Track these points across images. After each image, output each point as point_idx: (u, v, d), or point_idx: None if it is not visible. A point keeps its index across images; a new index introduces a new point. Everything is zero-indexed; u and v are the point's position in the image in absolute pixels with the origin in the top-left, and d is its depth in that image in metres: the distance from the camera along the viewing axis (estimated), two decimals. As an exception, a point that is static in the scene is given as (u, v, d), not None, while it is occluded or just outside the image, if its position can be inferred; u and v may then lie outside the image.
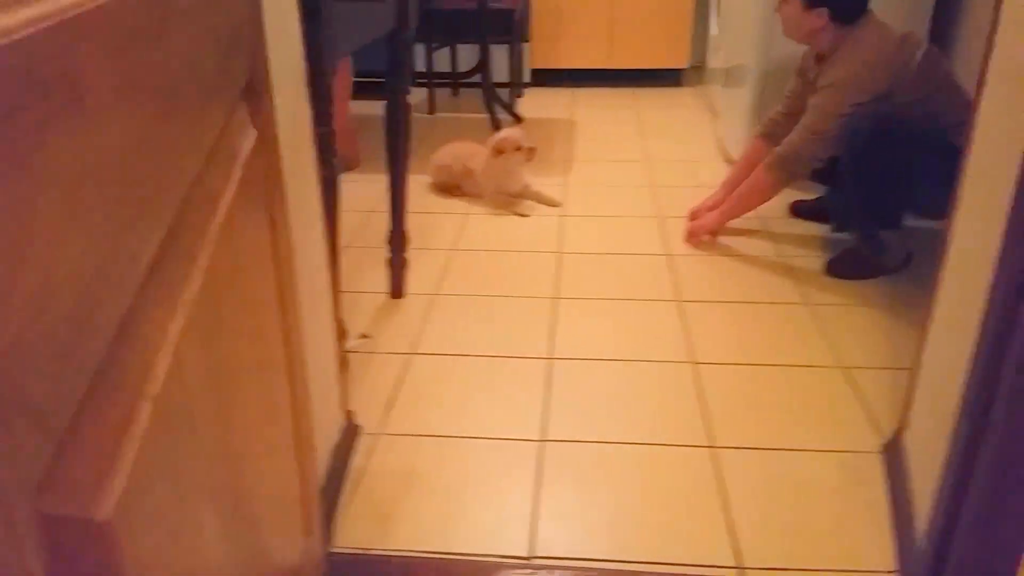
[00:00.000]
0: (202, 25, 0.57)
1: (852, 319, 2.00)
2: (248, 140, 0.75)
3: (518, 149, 2.69)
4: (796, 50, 2.40)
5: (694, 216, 2.53)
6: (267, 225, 0.85)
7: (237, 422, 0.57)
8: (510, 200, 2.74)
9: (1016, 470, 0.97)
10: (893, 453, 1.43)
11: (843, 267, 2.23)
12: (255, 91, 0.81)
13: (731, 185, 2.50)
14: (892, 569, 1.24)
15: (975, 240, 1.20)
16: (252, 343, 0.69)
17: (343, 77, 3.18)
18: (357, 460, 1.51)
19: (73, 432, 0.28)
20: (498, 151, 2.70)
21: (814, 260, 2.32)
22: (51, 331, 0.25)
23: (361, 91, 3.46)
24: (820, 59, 2.26)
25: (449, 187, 2.90)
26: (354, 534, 1.33)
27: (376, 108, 4.01)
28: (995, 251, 1.04)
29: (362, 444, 1.55)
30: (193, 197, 0.49)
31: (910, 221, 2.22)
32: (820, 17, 2.17)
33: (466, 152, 2.86)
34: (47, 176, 0.25)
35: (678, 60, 4.48)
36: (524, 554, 1.28)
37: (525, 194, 2.78)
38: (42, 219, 0.25)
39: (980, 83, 1.24)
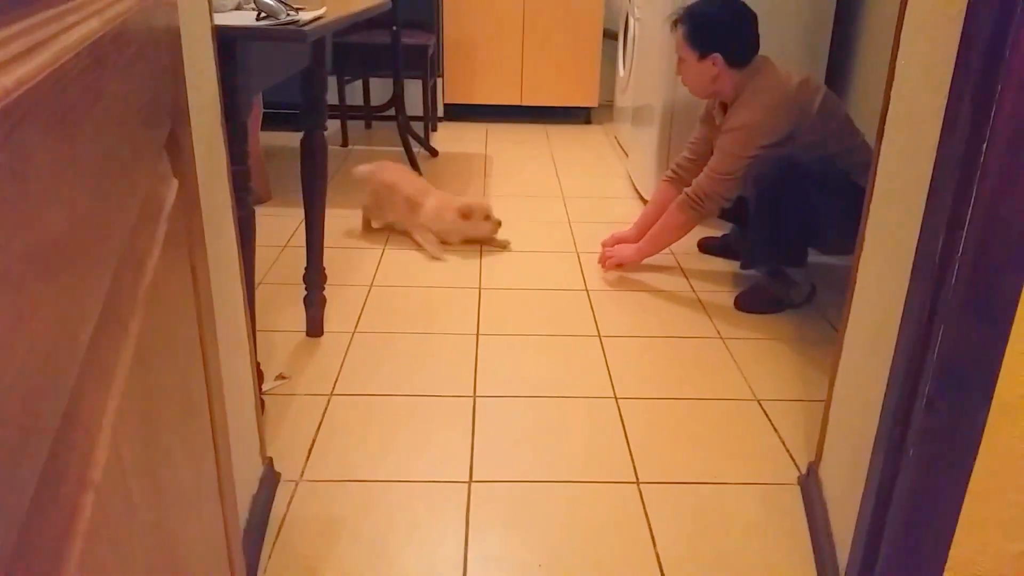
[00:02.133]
0: (131, 84, 0.54)
1: (762, 352, 2.07)
2: (171, 191, 0.73)
3: (487, 219, 2.68)
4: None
5: (608, 244, 2.58)
6: (189, 275, 0.82)
7: (169, 494, 0.54)
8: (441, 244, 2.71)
9: (931, 504, 1.02)
10: (810, 485, 1.48)
11: (751, 302, 2.31)
12: (177, 139, 0.78)
13: (642, 226, 2.57)
14: (813, 600, 1.28)
15: (880, 278, 1.26)
16: (178, 404, 0.66)
17: (254, 110, 3.12)
18: (277, 509, 1.45)
19: (19, 550, 0.25)
20: (466, 216, 2.66)
21: (724, 295, 2.40)
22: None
23: (268, 122, 3.40)
24: (724, 107, 2.35)
25: (373, 219, 2.84)
26: (276, 589, 1.28)
27: (283, 139, 3.96)
28: (901, 291, 1.10)
29: (282, 492, 1.50)
30: (124, 262, 0.47)
31: (813, 257, 2.33)
32: (715, 64, 2.26)
33: (406, 185, 2.76)
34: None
35: (588, 99, 4.60)
36: (454, 602, 1.26)
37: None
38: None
39: (880, 131, 1.31)
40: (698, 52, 2.28)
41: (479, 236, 2.72)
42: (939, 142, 0.99)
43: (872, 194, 1.34)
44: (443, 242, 2.71)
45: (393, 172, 2.81)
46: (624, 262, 2.49)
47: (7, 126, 0.26)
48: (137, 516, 0.42)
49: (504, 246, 2.75)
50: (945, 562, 1.04)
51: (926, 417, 1.01)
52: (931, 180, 1.03)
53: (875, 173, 1.33)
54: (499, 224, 2.72)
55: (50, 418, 0.29)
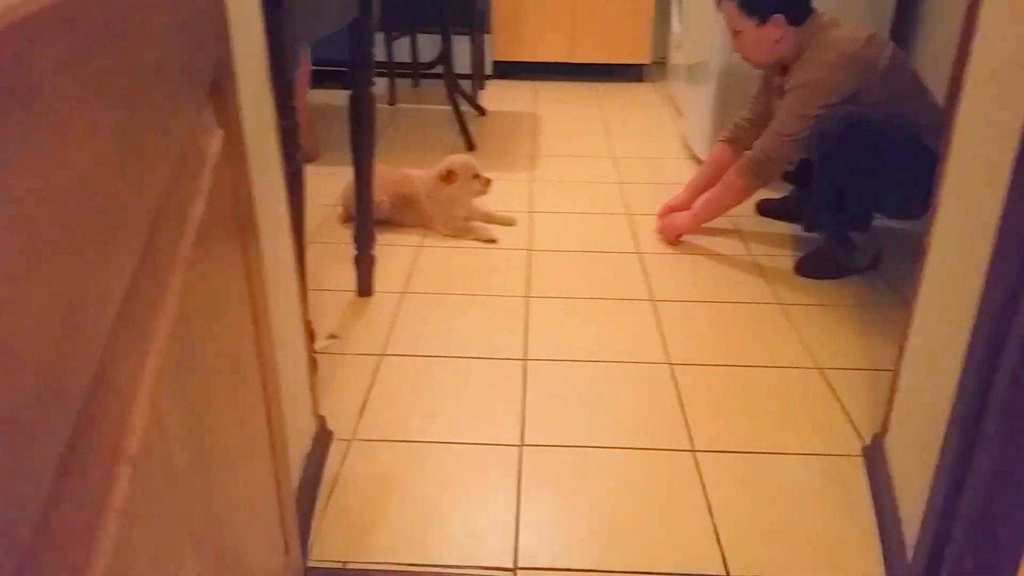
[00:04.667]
0: (167, 19, 0.51)
1: (824, 319, 1.99)
2: (216, 142, 0.69)
3: (475, 177, 2.43)
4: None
5: (662, 215, 2.50)
6: (237, 231, 0.79)
7: (216, 458, 0.52)
8: (465, 227, 2.46)
9: (1011, 484, 0.96)
10: (874, 457, 1.42)
11: (813, 267, 2.23)
12: (221, 88, 0.75)
13: (696, 187, 2.48)
14: (878, 576, 1.23)
15: (958, 245, 1.18)
16: (226, 364, 0.63)
17: (302, 67, 3.10)
18: (330, 468, 1.45)
19: (41, 530, 0.22)
20: (447, 179, 2.41)
21: (783, 259, 2.31)
22: (10, 418, 0.20)
23: (317, 79, 3.37)
24: (784, 69, 2.24)
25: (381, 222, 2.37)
26: (330, 547, 1.27)
27: (331, 97, 3.94)
28: (982, 258, 1.02)
29: (335, 451, 1.49)
30: (163, 214, 0.44)
31: (878, 221, 2.23)
32: (778, 25, 2.15)
33: (391, 180, 2.46)
34: (6, 211, 0.20)
35: (640, 56, 4.47)
36: (509, 565, 1.24)
37: (475, 216, 2.51)
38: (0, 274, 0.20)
39: (958, 87, 1.22)
40: (757, 18, 2.16)
41: (470, 196, 2.48)
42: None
43: (949, 155, 1.25)
44: (456, 234, 2.44)
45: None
46: (681, 231, 2.41)
47: (14, 48, 0.22)
48: (180, 487, 0.39)
49: (507, 222, 2.53)
50: (1026, 544, 0.98)
51: (1010, 393, 0.94)
52: (1022, 137, 0.94)
53: (951, 133, 1.24)
54: (489, 182, 2.46)
55: (76, 384, 0.26)
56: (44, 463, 0.23)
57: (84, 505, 0.26)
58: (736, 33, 2.23)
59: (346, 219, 2.54)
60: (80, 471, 0.26)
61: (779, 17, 2.14)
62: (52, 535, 0.24)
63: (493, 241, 2.43)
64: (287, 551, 0.97)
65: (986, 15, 1.15)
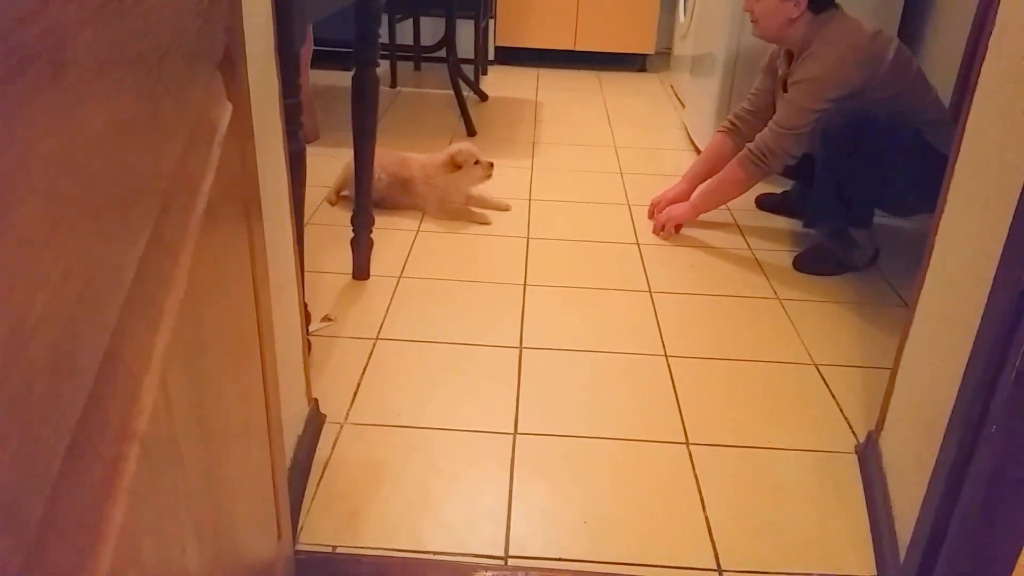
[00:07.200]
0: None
1: (821, 315, 1.99)
2: (225, 115, 0.68)
3: (477, 163, 2.44)
4: (765, 42, 2.37)
5: (655, 207, 2.49)
6: (242, 207, 0.77)
7: (218, 439, 0.50)
8: (458, 211, 2.47)
9: (1011, 483, 0.95)
10: (869, 455, 1.42)
11: (811, 262, 2.22)
12: (231, 61, 0.73)
13: (693, 178, 2.47)
14: (871, 575, 1.23)
15: (964, 243, 1.17)
16: (229, 342, 0.62)
17: (306, 44, 3.06)
18: (321, 451, 1.44)
19: (49, 511, 0.21)
20: (455, 166, 2.41)
21: (782, 254, 2.31)
22: (23, 393, 0.19)
23: (317, 60, 3.34)
24: (790, 57, 2.23)
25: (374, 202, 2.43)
26: (321, 531, 1.26)
27: (332, 78, 3.91)
28: (991, 256, 1.02)
29: (327, 433, 1.48)
30: (175, 185, 0.42)
31: (878, 218, 2.22)
32: (797, 6, 2.14)
33: (390, 160, 2.45)
34: (29, 172, 0.19)
35: (644, 46, 4.45)
36: (500, 553, 1.23)
37: (469, 201, 2.52)
38: (19, 239, 0.18)
39: (969, 84, 1.21)
40: None
41: (474, 183, 2.49)
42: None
43: (958, 152, 1.24)
44: (450, 218, 2.45)
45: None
46: (679, 222, 2.40)
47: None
48: (185, 467, 0.38)
49: (501, 207, 2.54)
50: (1023, 545, 0.98)
51: (1015, 390, 0.94)
52: (1039, 136, 0.94)
53: (962, 131, 1.24)
54: (491, 166, 2.45)
55: (89, 358, 0.24)
56: (54, 441, 0.22)
57: (93, 485, 0.25)
58: None
59: (334, 201, 2.53)
60: (90, 449, 0.25)
61: None
62: (60, 516, 0.23)
63: (487, 223, 2.43)
64: (279, 536, 0.96)
65: (1004, 10, 1.14)
